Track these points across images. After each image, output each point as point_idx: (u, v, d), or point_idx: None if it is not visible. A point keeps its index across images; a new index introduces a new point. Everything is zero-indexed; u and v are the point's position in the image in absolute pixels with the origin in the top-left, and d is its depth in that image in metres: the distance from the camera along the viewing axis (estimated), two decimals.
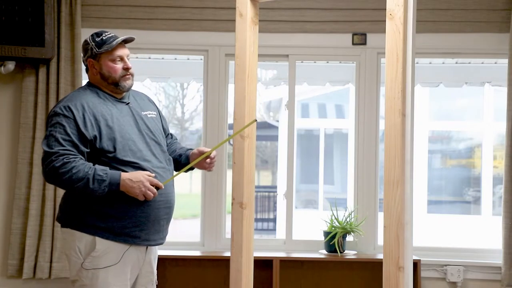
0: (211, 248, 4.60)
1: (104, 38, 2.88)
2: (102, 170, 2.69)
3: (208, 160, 2.99)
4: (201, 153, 2.98)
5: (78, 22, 4.39)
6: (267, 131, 11.22)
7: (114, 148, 2.78)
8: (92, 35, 2.92)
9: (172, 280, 4.47)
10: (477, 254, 4.62)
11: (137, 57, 4.82)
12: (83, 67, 4.41)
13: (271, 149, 12.46)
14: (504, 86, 4.51)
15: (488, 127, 7.28)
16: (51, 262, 4.32)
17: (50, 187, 4.32)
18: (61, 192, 4.29)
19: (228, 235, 4.21)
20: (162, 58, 4.92)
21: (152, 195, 2.73)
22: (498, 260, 4.46)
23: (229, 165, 3.53)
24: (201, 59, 4.70)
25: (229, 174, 3.69)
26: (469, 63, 4.87)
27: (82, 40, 4.36)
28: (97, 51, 2.88)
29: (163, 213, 2.87)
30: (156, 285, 3.04)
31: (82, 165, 2.67)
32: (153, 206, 2.81)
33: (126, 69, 2.90)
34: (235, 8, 2.51)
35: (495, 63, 4.79)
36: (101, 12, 4.52)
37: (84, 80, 4.43)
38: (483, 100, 7.22)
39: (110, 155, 2.77)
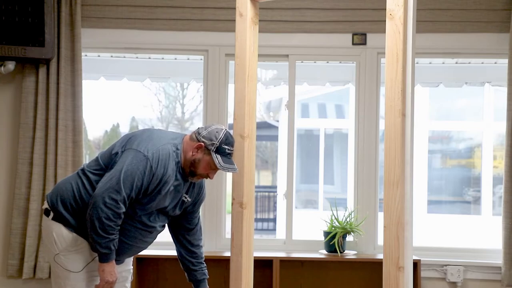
0: (211, 248, 4.60)
1: (227, 151, 2.85)
2: (112, 250, 2.82)
3: None
4: None
5: (78, 22, 4.39)
6: (267, 131, 11.20)
7: (145, 205, 2.87)
8: (226, 136, 2.87)
9: (172, 280, 4.47)
10: (477, 254, 4.62)
11: (137, 57, 4.83)
12: (83, 67, 4.47)
13: (271, 149, 12.44)
14: (504, 86, 4.51)
15: (488, 127, 7.27)
16: None
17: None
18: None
19: (228, 235, 4.21)
20: (162, 58, 4.92)
21: None
22: (498, 260, 4.46)
23: None
24: (201, 59, 4.69)
25: (229, 174, 3.69)
26: (469, 63, 4.87)
27: (82, 41, 4.40)
28: (212, 151, 2.86)
29: (140, 248, 3.02)
30: (131, 281, 3.18)
31: (114, 240, 2.80)
32: (137, 239, 2.95)
33: (207, 177, 2.96)
34: (235, 8, 2.51)
35: (495, 63, 4.79)
36: (101, 12, 4.52)
37: (84, 80, 4.47)
38: (483, 100, 7.22)
39: (135, 203, 2.85)
